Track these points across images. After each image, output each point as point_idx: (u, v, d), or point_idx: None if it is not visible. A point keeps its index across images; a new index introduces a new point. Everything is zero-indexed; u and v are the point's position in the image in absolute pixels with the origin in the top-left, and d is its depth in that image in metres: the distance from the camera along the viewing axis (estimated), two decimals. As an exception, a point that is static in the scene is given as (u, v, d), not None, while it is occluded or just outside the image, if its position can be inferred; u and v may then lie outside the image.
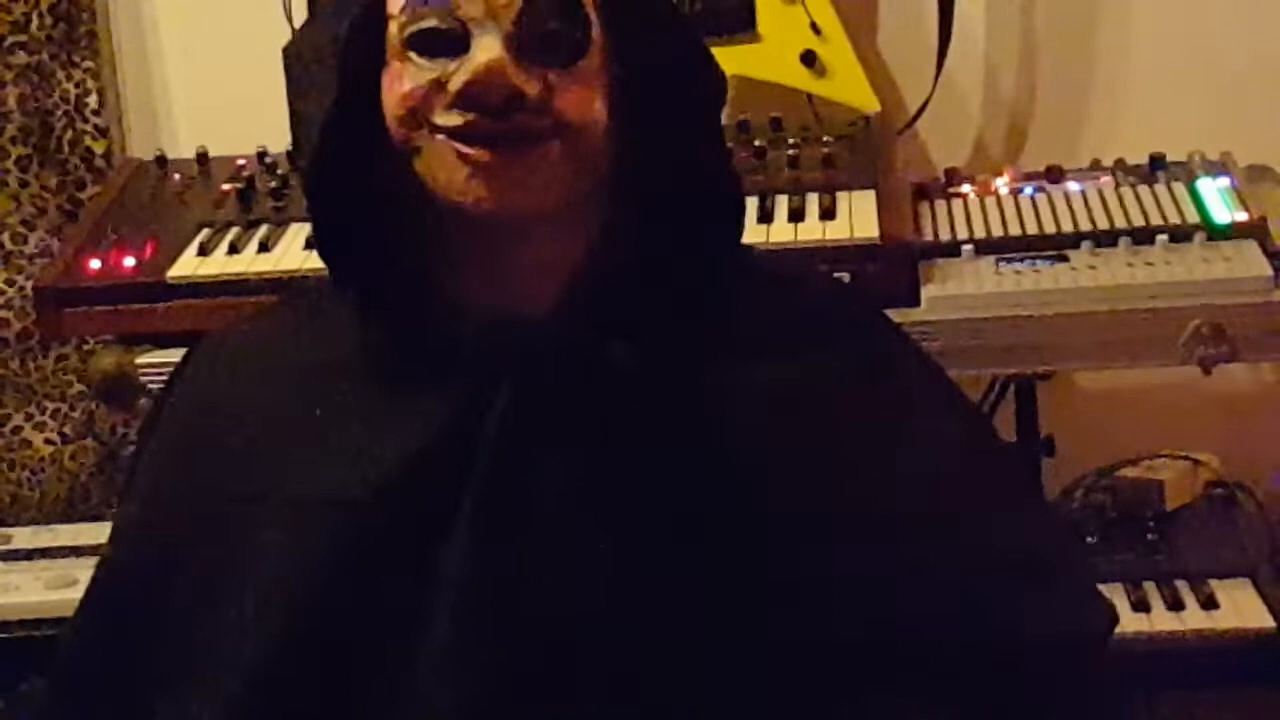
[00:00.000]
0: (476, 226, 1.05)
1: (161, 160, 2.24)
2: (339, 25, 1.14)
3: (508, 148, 1.09)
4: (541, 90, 1.09)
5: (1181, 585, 1.98)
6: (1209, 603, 1.94)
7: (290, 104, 1.17)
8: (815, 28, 2.20)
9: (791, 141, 2.11)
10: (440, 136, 1.10)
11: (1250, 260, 1.88)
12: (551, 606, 1.03)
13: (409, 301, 1.14)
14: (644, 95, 1.14)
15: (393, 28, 1.12)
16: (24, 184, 2.56)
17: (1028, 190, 2.09)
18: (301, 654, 1.08)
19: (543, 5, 1.10)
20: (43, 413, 2.61)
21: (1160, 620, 1.92)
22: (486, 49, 1.08)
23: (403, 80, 1.11)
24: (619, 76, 1.14)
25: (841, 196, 2.01)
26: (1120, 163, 2.13)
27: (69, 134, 2.56)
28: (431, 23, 1.10)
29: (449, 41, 1.10)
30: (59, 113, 2.56)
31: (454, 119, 1.09)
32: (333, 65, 1.13)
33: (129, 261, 2.04)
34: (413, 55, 1.11)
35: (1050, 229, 1.99)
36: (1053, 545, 1.27)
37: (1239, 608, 1.94)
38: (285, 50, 1.19)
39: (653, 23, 1.16)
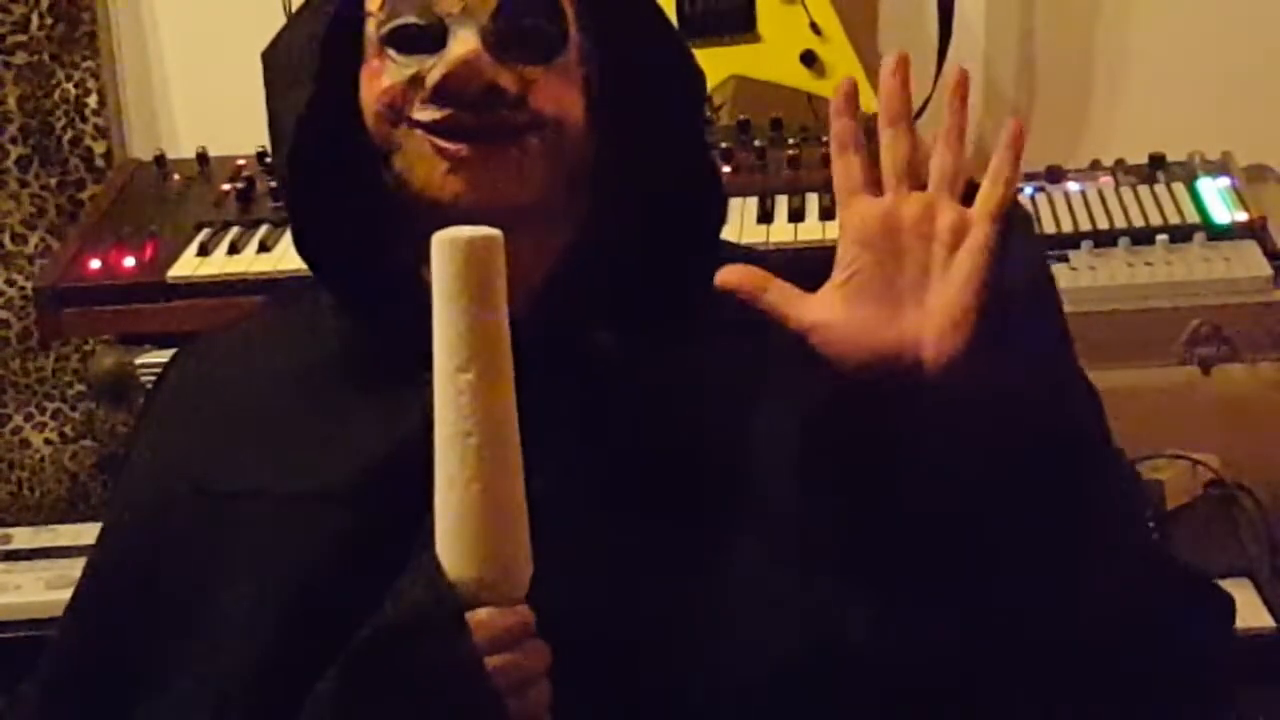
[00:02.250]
0: (455, 223, 1.05)
1: (161, 160, 2.25)
2: (316, 25, 1.15)
3: (486, 142, 1.09)
4: (519, 86, 1.10)
5: (1182, 585, 1.98)
6: (1209, 603, 1.94)
7: (268, 104, 1.18)
8: (815, 28, 2.21)
9: (791, 141, 2.11)
10: (418, 132, 1.10)
11: (1250, 260, 1.89)
12: (543, 597, 1.03)
13: (389, 299, 1.15)
14: (622, 92, 1.15)
15: (370, 25, 1.13)
16: (24, 184, 2.56)
17: (1028, 190, 2.09)
18: (295, 651, 1.08)
19: (519, 1, 1.10)
20: (43, 413, 2.61)
21: (1160, 620, 1.92)
22: (463, 42, 1.09)
23: (381, 77, 1.12)
24: (597, 74, 1.14)
25: (842, 196, 2.01)
26: (1120, 163, 2.14)
27: (69, 134, 2.56)
28: (409, 19, 1.11)
29: (427, 38, 1.10)
30: (59, 113, 2.56)
31: (432, 113, 1.10)
32: (310, 63, 1.13)
33: (129, 261, 2.04)
34: (390, 52, 1.11)
35: (1050, 229, 1.99)
36: None
37: (1239, 608, 1.93)
38: (263, 55, 1.20)
39: (630, 21, 1.16)
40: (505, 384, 1.02)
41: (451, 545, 1.02)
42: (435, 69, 1.09)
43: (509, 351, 1.02)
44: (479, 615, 1.01)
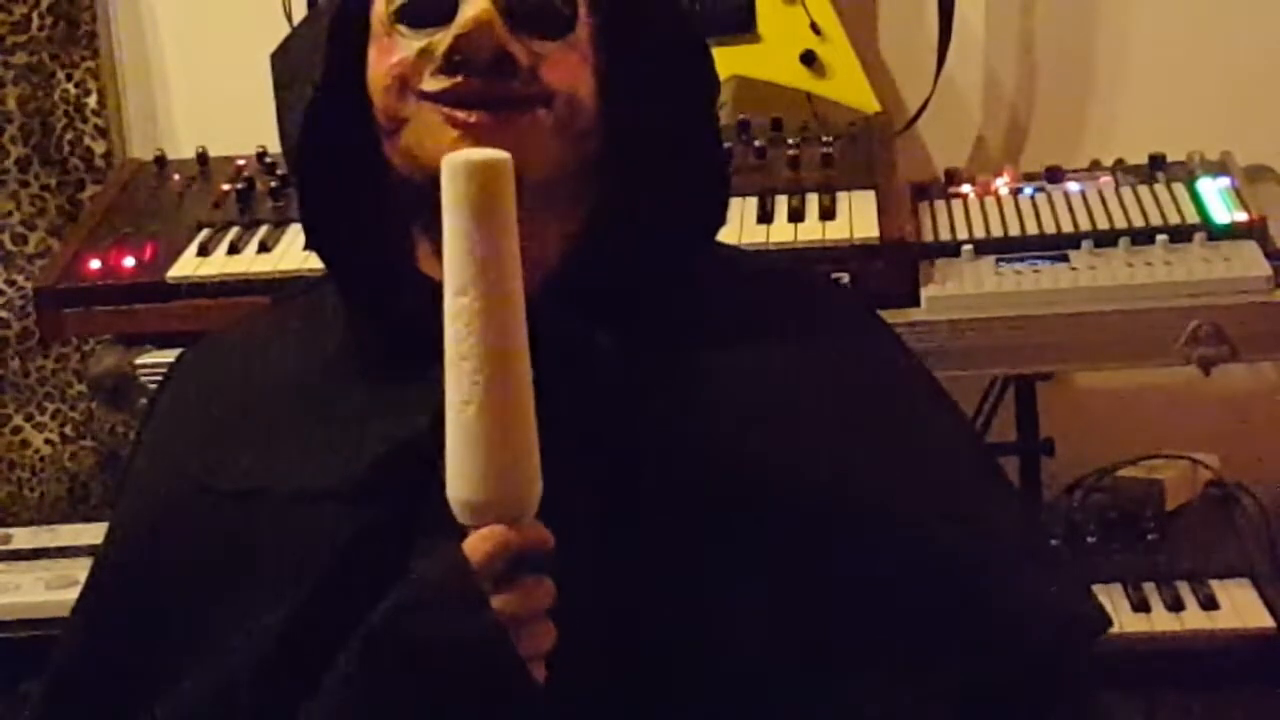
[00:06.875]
0: None
1: (161, 160, 2.25)
2: (321, 21, 1.15)
3: (496, 111, 1.09)
4: (529, 58, 1.10)
5: (1181, 585, 1.98)
6: (1209, 603, 1.94)
7: (277, 101, 1.18)
8: (815, 28, 2.21)
9: (791, 141, 2.11)
10: (428, 103, 1.10)
11: (1250, 260, 1.89)
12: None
13: (396, 290, 1.15)
14: (632, 80, 1.14)
15: (379, 4, 1.13)
16: (24, 184, 2.56)
17: (1028, 190, 2.09)
18: (303, 647, 1.08)
19: None
20: (43, 413, 2.61)
21: (1160, 620, 1.92)
22: (475, 4, 1.09)
23: (391, 53, 1.12)
24: (607, 60, 1.14)
25: (841, 196, 2.01)
26: (1120, 163, 2.13)
27: (69, 134, 2.56)
28: None
29: (437, 10, 1.10)
30: (59, 113, 2.56)
31: (442, 83, 1.10)
32: (316, 56, 1.14)
33: (129, 261, 2.04)
34: (400, 28, 1.12)
35: (1050, 229, 1.99)
36: (1048, 542, 1.28)
37: (1239, 608, 1.94)
38: (272, 56, 1.20)
39: (643, 11, 1.16)
40: (506, 308, 1.01)
41: (455, 467, 1.02)
42: (447, 33, 1.09)
43: (515, 275, 1.01)
44: (480, 534, 1.01)
